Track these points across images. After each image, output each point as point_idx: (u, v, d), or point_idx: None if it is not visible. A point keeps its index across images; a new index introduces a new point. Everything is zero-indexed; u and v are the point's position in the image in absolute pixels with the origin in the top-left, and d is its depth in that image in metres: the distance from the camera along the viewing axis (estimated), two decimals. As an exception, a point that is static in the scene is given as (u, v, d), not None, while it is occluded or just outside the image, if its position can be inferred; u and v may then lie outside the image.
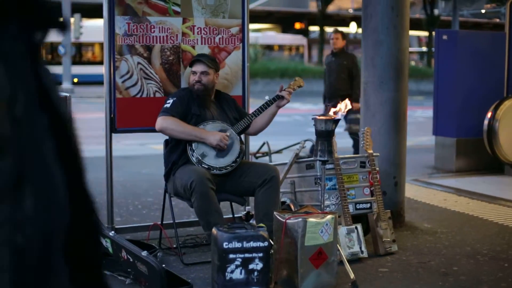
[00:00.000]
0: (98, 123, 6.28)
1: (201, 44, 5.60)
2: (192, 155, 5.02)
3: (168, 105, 5.11)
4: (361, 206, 5.36)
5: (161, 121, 5.06)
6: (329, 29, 54.69)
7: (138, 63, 5.41)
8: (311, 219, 4.28)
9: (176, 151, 5.13)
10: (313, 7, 51.14)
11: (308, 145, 8.07)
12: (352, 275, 4.57)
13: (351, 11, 52.72)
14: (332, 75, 9.35)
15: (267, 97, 5.19)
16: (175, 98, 5.15)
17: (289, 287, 4.32)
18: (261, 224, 4.52)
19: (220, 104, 5.31)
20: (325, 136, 4.74)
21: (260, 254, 4.07)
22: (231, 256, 4.04)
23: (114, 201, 5.58)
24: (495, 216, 6.75)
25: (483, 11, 47.62)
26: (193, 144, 5.03)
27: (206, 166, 4.99)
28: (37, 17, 0.86)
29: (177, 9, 5.52)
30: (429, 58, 42.10)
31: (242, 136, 5.43)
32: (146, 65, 5.44)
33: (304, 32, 50.46)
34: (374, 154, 5.45)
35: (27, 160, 0.83)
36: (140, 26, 5.40)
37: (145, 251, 4.36)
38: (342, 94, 8.52)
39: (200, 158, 5.00)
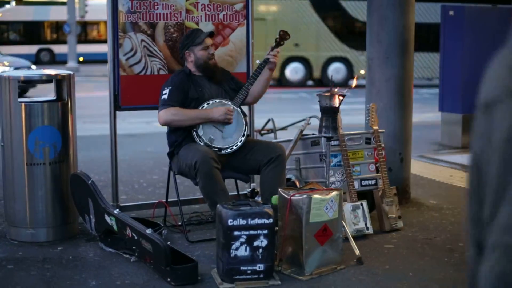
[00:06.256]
0: (104, 101, 6.27)
1: (205, 21, 5.56)
2: (200, 142, 4.98)
3: (165, 96, 5.00)
4: (366, 182, 5.34)
5: (163, 115, 4.97)
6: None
7: (142, 40, 5.38)
8: (316, 196, 4.27)
9: (178, 131, 5.09)
10: (319, -17, 50.79)
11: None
12: (357, 252, 4.57)
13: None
14: None
15: (258, 61, 5.14)
16: (170, 87, 5.04)
17: (294, 264, 4.32)
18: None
19: (215, 78, 5.23)
20: (330, 112, 4.71)
21: (265, 231, 4.06)
22: (236, 233, 4.03)
23: (119, 179, 5.59)
24: (501, 192, 6.72)
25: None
26: (198, 130, 4.98)
27: (217, 149, 4.96)
28: None
29: (181, -15, 5.48)
30: (436, 34, 41.85)
31: (246, 110, 5.40)
32: (150, 42, 5.41)
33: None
34: (380, 130, 5.42)
35: None
36: (143, 3, 5.36)
37: (150, 229, 4.37)
38: None
39: (209, 143, 4.96)
